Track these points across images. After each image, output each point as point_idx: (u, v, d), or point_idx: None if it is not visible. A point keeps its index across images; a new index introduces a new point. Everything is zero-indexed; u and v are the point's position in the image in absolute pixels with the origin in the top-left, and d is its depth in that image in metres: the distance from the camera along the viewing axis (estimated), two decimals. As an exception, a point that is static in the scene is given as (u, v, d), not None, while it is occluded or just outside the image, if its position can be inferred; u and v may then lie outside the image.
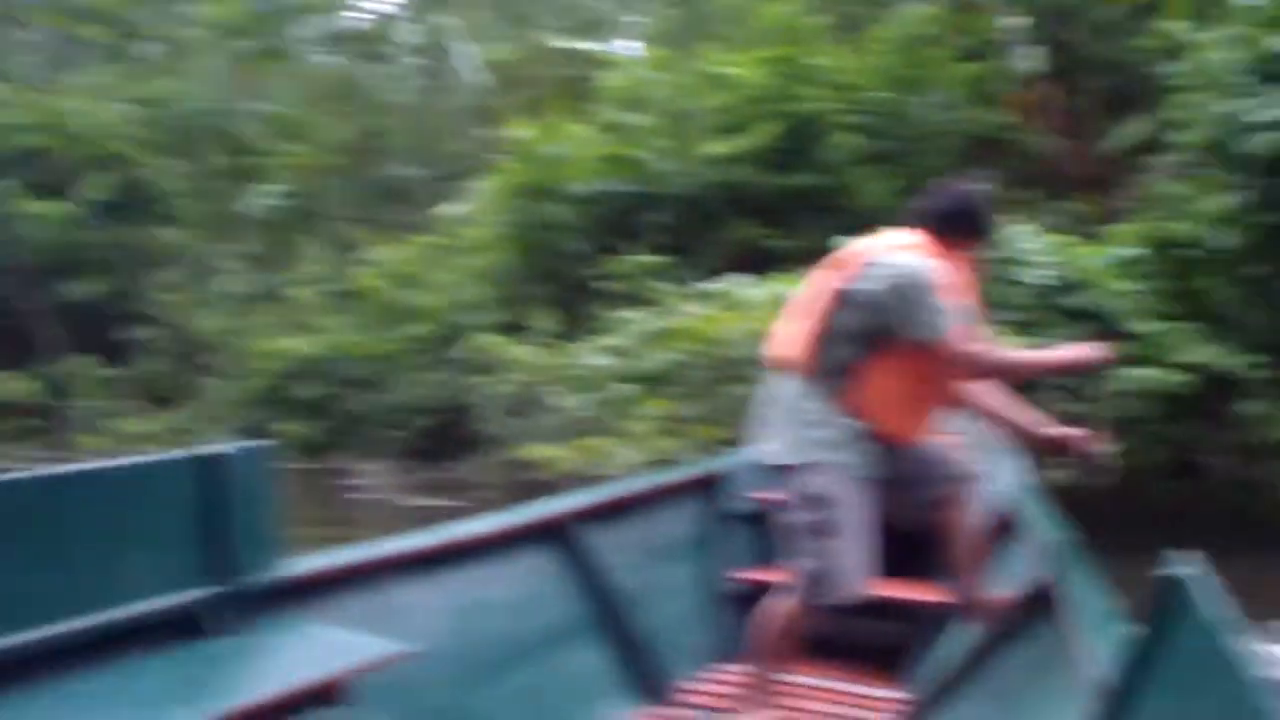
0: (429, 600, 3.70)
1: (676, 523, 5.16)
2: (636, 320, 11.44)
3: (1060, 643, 3.27)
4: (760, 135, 15.81)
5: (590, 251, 16.25)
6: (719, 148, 15.90)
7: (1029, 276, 10.52)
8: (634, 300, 14.62)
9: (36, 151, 27.55)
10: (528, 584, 4.17)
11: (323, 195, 25.46)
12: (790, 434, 3.86)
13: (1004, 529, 4.73)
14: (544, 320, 12.90)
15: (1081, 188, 17.00)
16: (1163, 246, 11.64)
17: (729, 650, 4.77)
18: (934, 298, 3.68)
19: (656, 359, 10.69)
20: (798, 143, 16.39)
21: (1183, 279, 11.55)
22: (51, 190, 27.65)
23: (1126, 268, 11.39)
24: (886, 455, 3.89)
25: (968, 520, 4.09)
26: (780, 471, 3.89)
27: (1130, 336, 10.63)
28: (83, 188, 26.65)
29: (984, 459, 5.09)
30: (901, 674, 4.82)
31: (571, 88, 20.17)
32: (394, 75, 26.46)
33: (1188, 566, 2.25)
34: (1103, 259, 11.30)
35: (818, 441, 3.79)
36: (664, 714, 4.29)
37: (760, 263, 15.02)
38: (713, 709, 4.26)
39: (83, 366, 24.40)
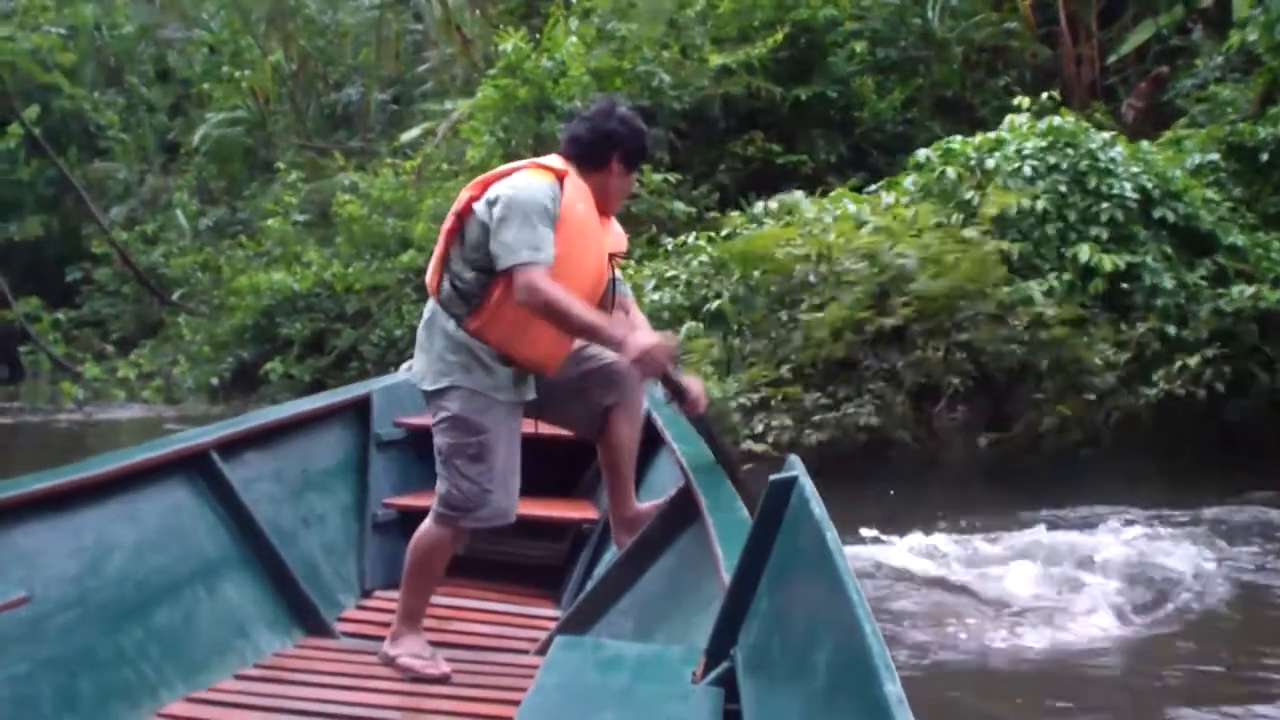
0: (58, 542, 3.48)
1: (328, 449, 5.07)
2: (691, 247, 10.83)
3: (699, 551, 3.43)
4: (766, 44, 15.18)
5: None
6: (724, 58, 15.26)
7: (1117, 188, 10.02)
8: (656, 221, 14.07)
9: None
10: (171, 519, 3.99)
11: (271, 123, 24.40)
12: (427, 358, 3.90)
13: (647, 442, 4.76)
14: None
15: (1088, 95, 16.66)
16: (1235, 152, 11.23)
17: (388, 578, 4.69)
18: (523, 222, 3.66)
19: (715, 289, 10.15)
20: (803, 52, 15.84)
21: (1255, 185, 11.16)
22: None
23: (1200, 176, 10.99)
24: (530, 376, 3.95)
25: (634, 432, 4.21)
26: (426, 395, 3.94)
27: (1227, 250, 10.25)
28: (13, 121, 25.30)
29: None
30: (556, 592, 4.90)
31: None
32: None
33: (792, 472, 2.45)
34: (1180, 168, 10.87)
35: (451, 365, 3.83)
36: (324, 645, 4.22)
37: (770, 180, 14.54)
38: (373, 638, 4.23)
39: (33, 310, 23.25)
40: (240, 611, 4.08)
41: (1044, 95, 11.94)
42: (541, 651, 3.99)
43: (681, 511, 3.87)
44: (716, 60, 15.25)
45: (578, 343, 4.04)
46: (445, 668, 3.93)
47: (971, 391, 10.38)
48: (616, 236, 4.10)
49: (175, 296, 21.61)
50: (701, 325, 9.94)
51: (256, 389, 17.22)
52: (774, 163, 14.95)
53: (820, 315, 9.36)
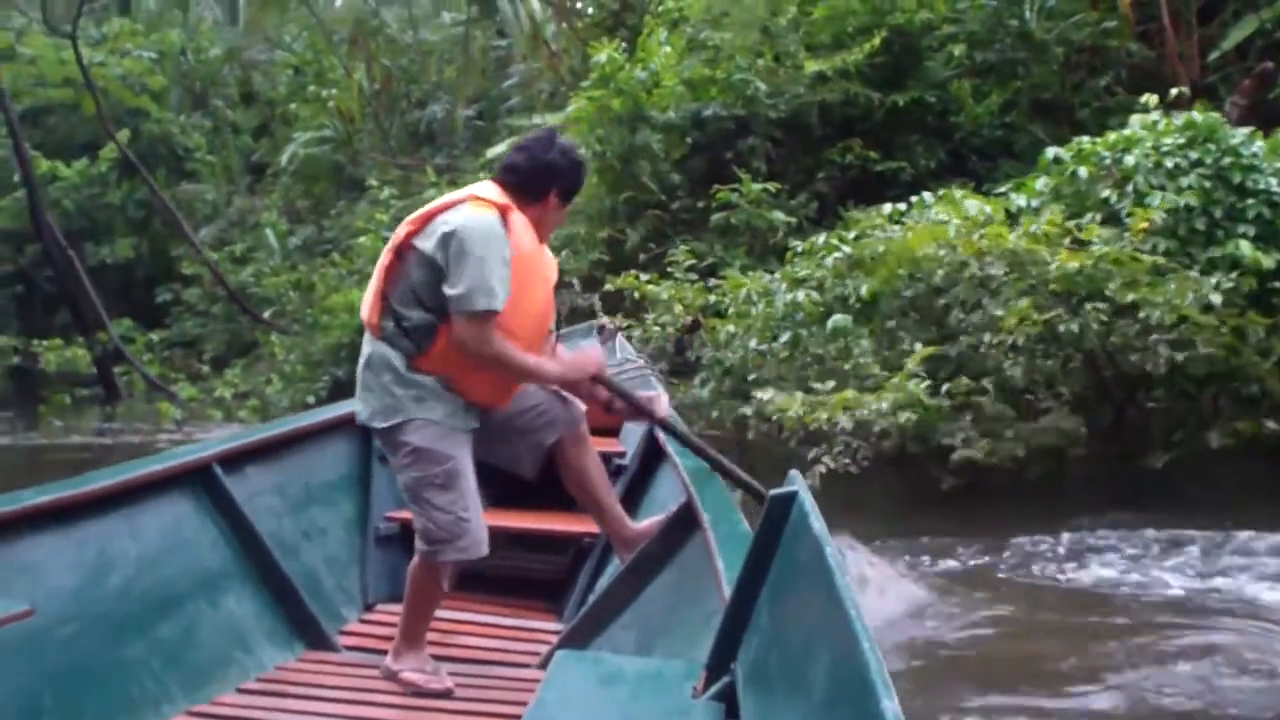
0: (61, 555, 3.51)
1: (330, 463, 5.12)
2: (823, 248, 10.61)
3: (701, 565, 3.42)
4: (863, 49, 14.91)
5: (684, 182, 15.43)
6: (820, 64, 15.02)
7: (1263, 183, 9.67)
8: (753, 232, 13.87)
9: (53, 109, 26.63)
10: (173, 533, 4.03)
11: (357, 141, 24.49)
12: (373, 396, 3.84)
13: (649, 456, 4.94)
14: (683, 255, 12.18)
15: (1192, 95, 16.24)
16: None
17: (390, 591, 4.73)
18: (480, 263, 3.61)
19: (861, 289, 9.96)
20: (899, 56, 15.59)
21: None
22: (68, 150, 26.80)
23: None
24: (478, 412, 3.90)
25: (589, 458, 4.17)
26: (380, 435, 3.91)
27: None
28: (104, 145, 25.66)
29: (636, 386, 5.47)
30: (558, 606, 4.93)
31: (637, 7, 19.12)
32: (421, 14, 25.38)
33: (793, 486, 2.46)
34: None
35: (402, 399, 3.78)
36: (326, 658, 4.25)
37: (868, 188, 14.32)
38: (375, 651, 4.25)
39: (125, 331, 23.50)
40: (242, 625, 4.10)
41: (1173, 91, 11.58)
42: (543, 665, 4.01)
43: (683, 526, 3.87)
44: (812, 67, 15.02)
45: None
46: (448, 682, 3.93)
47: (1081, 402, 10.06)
48: (551, 265, 4.09)
49: (266, 315, 21.72)
50: (850, 319, 9.74)
51: (352, 407, 17.17)
52: (872, 170, 14.72)
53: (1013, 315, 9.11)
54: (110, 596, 3.62)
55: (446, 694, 3.89)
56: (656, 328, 11.68)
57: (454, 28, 24.23)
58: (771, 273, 11.33)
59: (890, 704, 1.52)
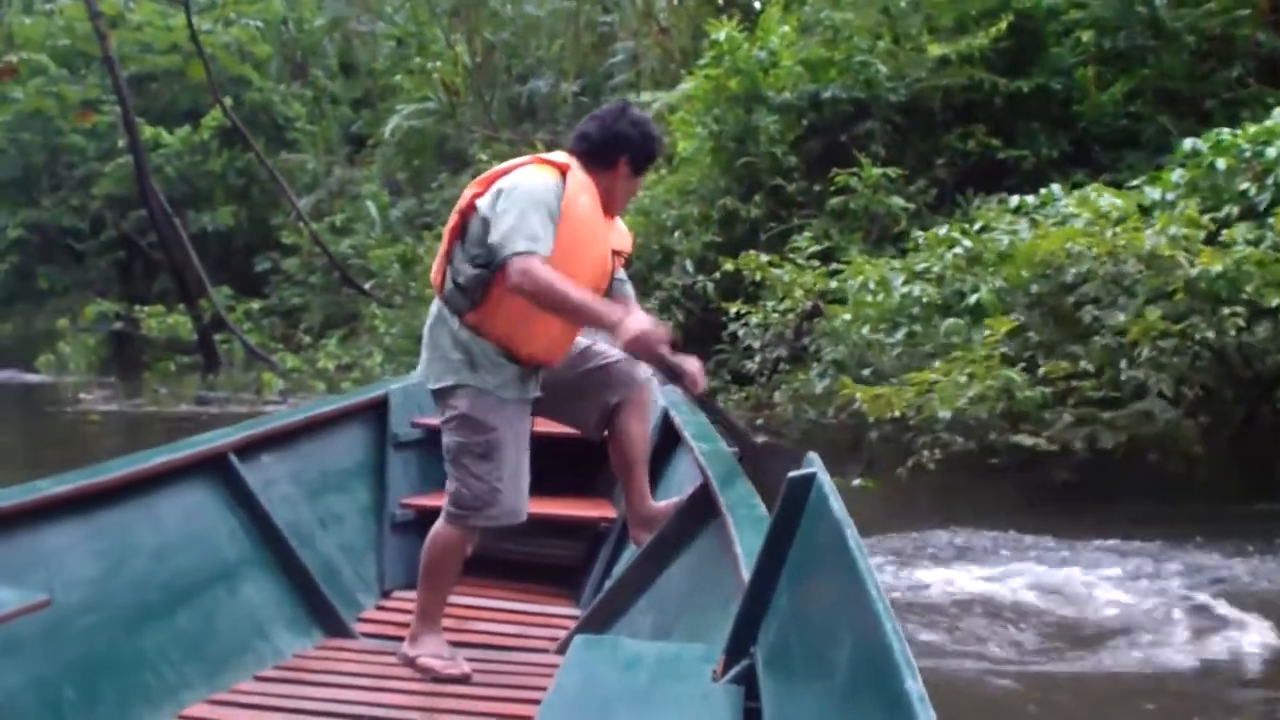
0: (79, 545, 3.52)
1: (346, 450, 5.14)
2: (943, 240, 10.33)
3: (719, 549, 3.40)
4: (988, 34, 14.53)
5: (799, 164, 15.15)
6: (944, 48, 14.67)
7: None
8: (871, 217, 13.62)
9: (157, 76, 26.86)
10: (190, 521, 4.05)
11: (459, 115, 24.40)
12: (433, 357, 3.91)
13: (665, 439, 4.91)
14: (806, 242, 11.97)
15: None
16: None
17: (407, 578, 4.72)
18: (522, 213, 3.63)
19: (980, 289, 9.67)
20: (1023, 41, 15.19)
21: None
22: (170, 117, 27.05)
23: None
24: (535, 373, 3.94)
25: (644, 426, 4.26)
26: (434, 394, 3.94)
27: None
28: (205, 113, 25.85)
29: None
30: (575, 591, 4.94)
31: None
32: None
33: (812, 468, 2.43)
34: None
35: (456, 364, 3.83)
36: (344, 645, 4.27)
37: (989, 176, 13.99)
38: (392, 638, 4.27)
39: (225, 300, 23.66)
40: (260, 613, 4.13)
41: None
42: (561, 651, 4.02)
43: (700, 509, 3.87)
44: (936, 51, 14.67)
45: (580, 341, 4.13)
46: (465, 667, 3.96)
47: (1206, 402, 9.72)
48: (620, 235, 4.13)
49: (367, 287, 21.73)
50: (962, 323, 9.48)
51: (456, 381, 17.10)
52: (992, 157, 14.35)
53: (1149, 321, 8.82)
54: (128, 586, 3.64)
55: (464, 679, 3.91)
56: (776, 314, 11.46)
57: (564, 2, 24.02)
58: (889, 259, 11.07)
59: (914, 685, 1.50)
